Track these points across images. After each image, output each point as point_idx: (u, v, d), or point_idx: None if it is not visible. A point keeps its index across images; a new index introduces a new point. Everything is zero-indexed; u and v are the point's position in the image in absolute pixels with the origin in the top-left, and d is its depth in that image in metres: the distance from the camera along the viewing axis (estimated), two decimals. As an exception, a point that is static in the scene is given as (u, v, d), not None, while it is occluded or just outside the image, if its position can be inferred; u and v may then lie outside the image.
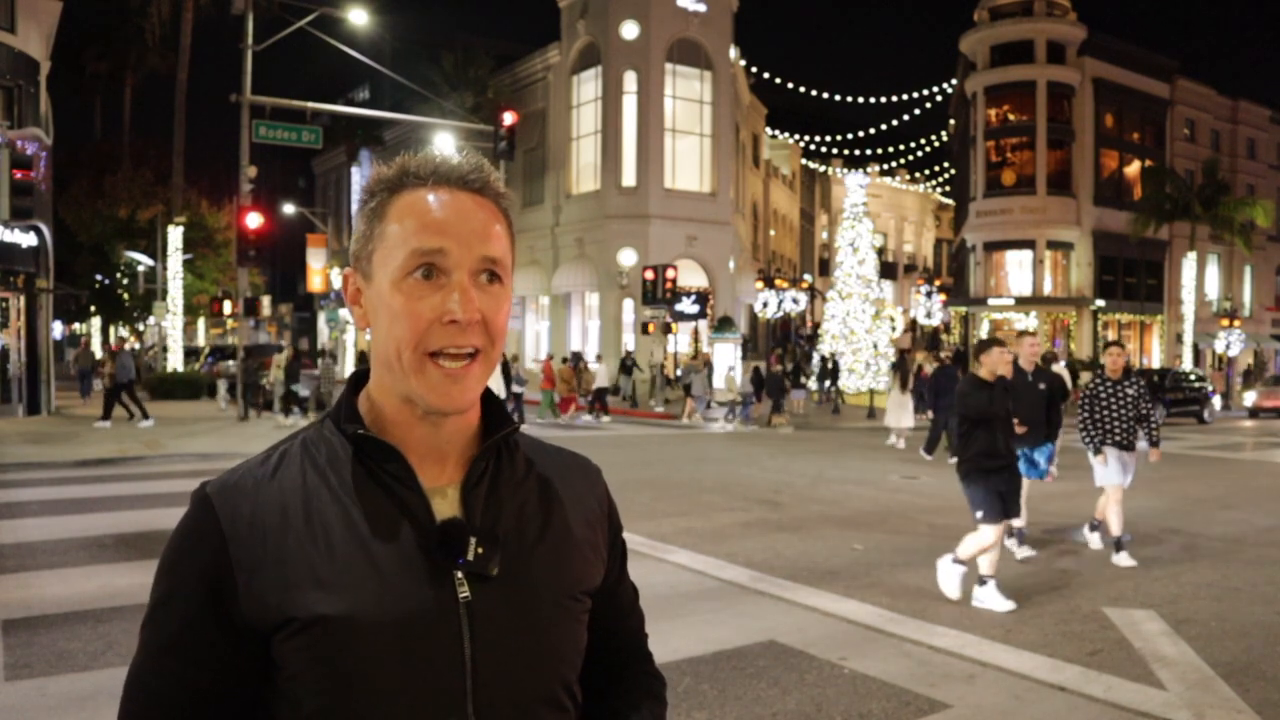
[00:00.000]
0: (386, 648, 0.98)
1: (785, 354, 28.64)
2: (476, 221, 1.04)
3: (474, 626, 1.01)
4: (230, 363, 22.92)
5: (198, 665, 0.99)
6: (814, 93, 45.93)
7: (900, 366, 19.51)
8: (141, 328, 42.13)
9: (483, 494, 1.07)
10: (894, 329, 43.54)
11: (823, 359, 31.83)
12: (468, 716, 1.00)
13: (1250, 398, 30.90)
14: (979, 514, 6.37)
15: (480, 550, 1.03)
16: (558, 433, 19.64)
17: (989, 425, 6.39)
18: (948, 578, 6.49)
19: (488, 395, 1.13)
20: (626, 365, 28.46)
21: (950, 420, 15.55)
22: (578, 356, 24.94)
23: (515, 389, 21.53)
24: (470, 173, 1.06)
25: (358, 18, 23.05)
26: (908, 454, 16.52)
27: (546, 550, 1.09)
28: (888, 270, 56.46)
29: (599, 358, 25.55)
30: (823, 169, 62.08)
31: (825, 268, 54.92)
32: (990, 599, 6.25)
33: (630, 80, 33.64)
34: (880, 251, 44.65)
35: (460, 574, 1.02)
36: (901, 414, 18.01)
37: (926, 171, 64.86)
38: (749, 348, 37.91)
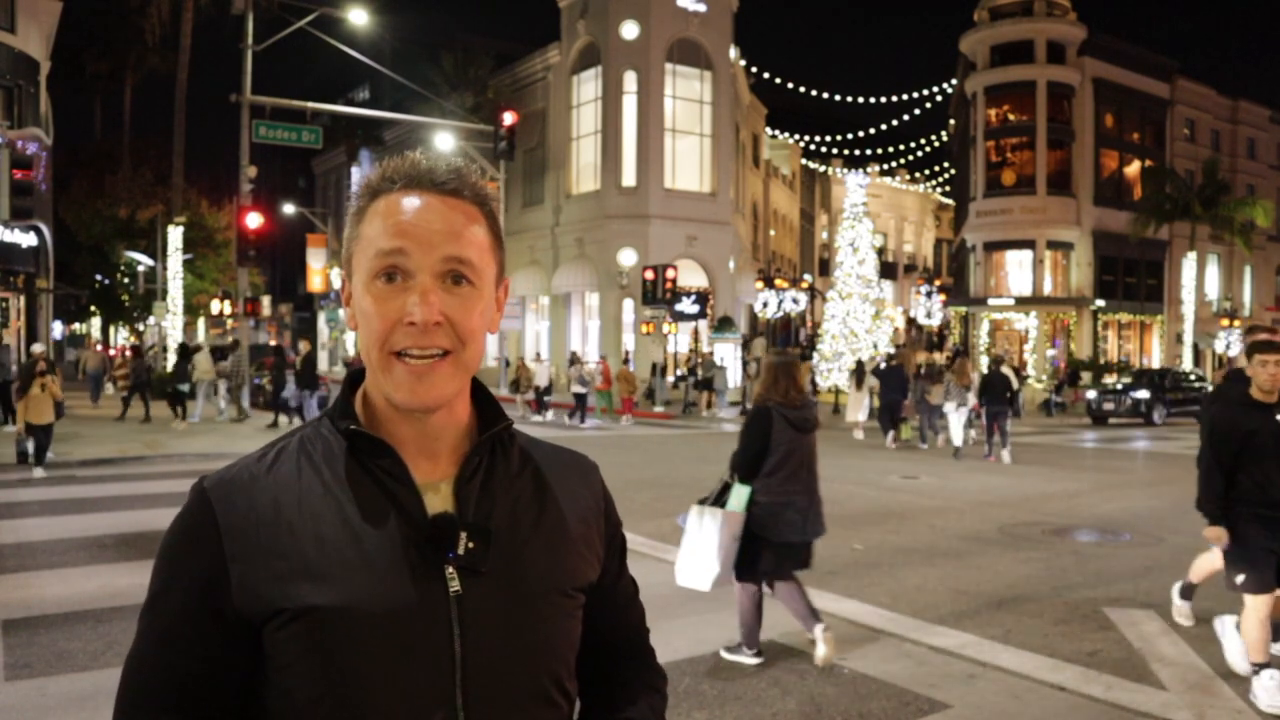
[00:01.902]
0: (376, 640, 0.99)
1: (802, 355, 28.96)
2: (442, 223, 1.04)
3: (464, 621, 1.02)
4: (227, 363, 22.83)
5: (191, 655, 1.01)
6: (814, 93, 45.93)
7: (859, 369, 21.26)
8: (141, 328, 42.15)
9: (476, 489, 1.08)
10: (894, 329, 43.58)
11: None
12: (456, 710, 1.01)
13: None
14: (1238, 578, 4.67)
15: (471, 545, 1.03)
16: (557, 431, 19.64)
17: (1259, 460, 4.67)
18: (1235, 649, 5.02)
19: (481, 392, 1.14)
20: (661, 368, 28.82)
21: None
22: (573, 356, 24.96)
23: (578, 389, 21.62)
24: (443, 175, 1.07)
25: (358, 18, 23.07)
26: (896, 452, 16.57)
27: (539, 546, 1.10)
28: (888, 270, 56.47)
29: (537, 356, 25.45)
30: (823, 169, 62.05)
31: (825, 268, 54.90)
32: (1267, 692, 4.51)
33: (630, 80, 33.63)
34: (880, 251, 44.63)
35: (451, 568, 1.03)
36: (858, 410, 20.45)
37: (926, 171, 64.86)
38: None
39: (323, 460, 1.06)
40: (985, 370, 17.17)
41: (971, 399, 16.33)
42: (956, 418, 16.34)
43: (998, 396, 15.75)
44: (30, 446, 12.24)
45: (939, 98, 48.92)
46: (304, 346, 17.34)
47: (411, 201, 1.05)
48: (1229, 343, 39.96)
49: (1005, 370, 16.11)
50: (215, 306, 31.49)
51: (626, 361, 25.44)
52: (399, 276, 1.03)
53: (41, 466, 12.21)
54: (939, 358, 41.06)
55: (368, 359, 1.05)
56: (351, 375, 1.14)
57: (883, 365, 20.41)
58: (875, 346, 34.01)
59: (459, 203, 1.07)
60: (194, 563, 1.02)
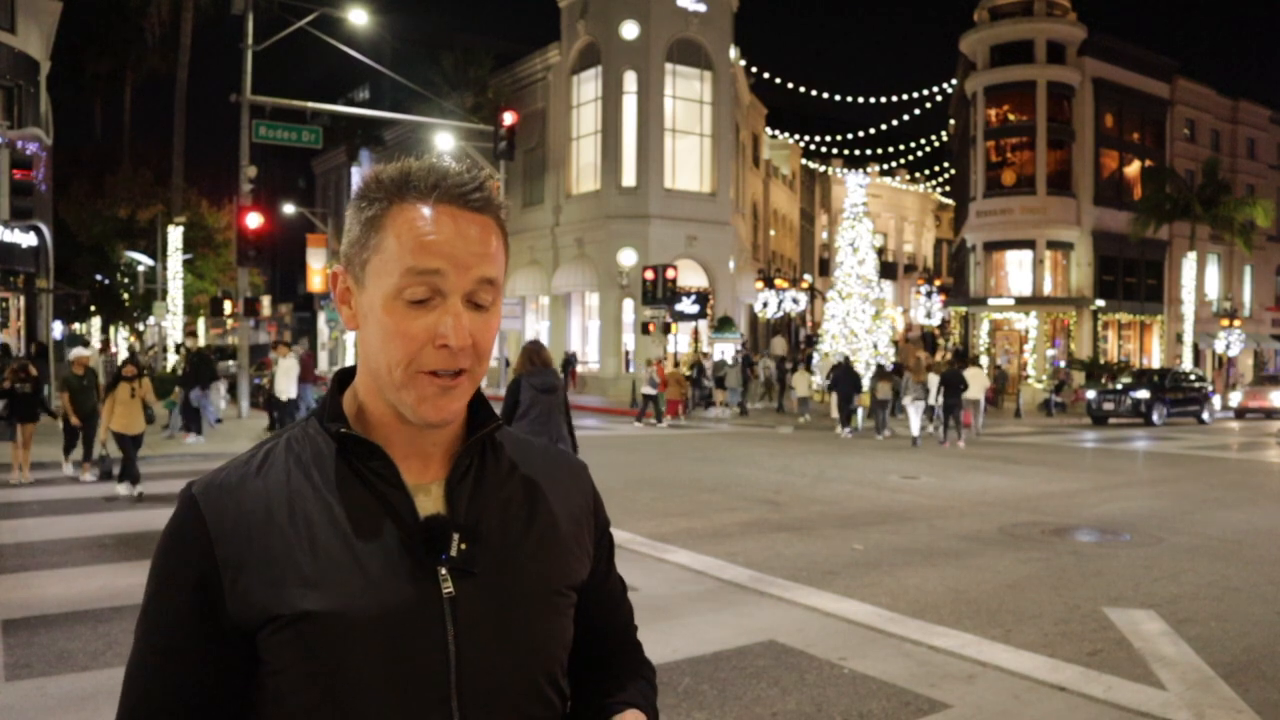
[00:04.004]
0: (370, 644, 0.98)
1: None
2: (476, 244, 1.03)
3: (457, 622, 1.01)
4: (231, 363, 22.84)
5: (186, 662, 1.00)
6: (814, 93, 45.89)
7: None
8: (141, 328, 42.14)
9: (467, 490, 1.08)
10: (894, 329, 43.56)
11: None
12: (452, 711, 1.01)
13: (1236, 398, 30.86)
14: None
15: (463, 546, 1.03)
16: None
17: None
18: None
19: (474, 394, 1.14)
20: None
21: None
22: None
23: (648, 390, 22.64)
24: (473, 191, 1.04)
25: (358, 18, 23.05)
26: (898, 452, 16.59)
27: (531, 546, 1.10)
28: (888, 270, 56.38)
29: None
30: (823, 169, 61.99)
31: (825, 268, 54.87)
32: None
33: (630, 80, 33.62)
34: (880, 251, 44.59)
35: (444, 570, 1.02)
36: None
37: (926, 171, 64.75)
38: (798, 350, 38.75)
39: (312, 462, 1.05)
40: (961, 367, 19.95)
41: (931, 393, 18.52)
42: (914, 410, 18.29)
43: (953, 390, 18.15)
44: (108, 457, 10.83)
45: (939, 98, 48.90)
46: (192, 344, 16.93)
47: (444, 219, 1.02)
48: (1229, 343, 39.90)
49: (973, 369, 19.48)
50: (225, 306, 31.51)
51: (678, 365, 25.94)
52: (429, 296, 1.02)
53: (139, 485, 10.36)
54: (937, 357, 41.21)
55: (385, 374, 1.03)
56: (339, 375, 1.14)
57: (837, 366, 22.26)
58: (875, 347, 34.05)
59: (485, 218, 1.05)
60: (186, 569, 1.01)
